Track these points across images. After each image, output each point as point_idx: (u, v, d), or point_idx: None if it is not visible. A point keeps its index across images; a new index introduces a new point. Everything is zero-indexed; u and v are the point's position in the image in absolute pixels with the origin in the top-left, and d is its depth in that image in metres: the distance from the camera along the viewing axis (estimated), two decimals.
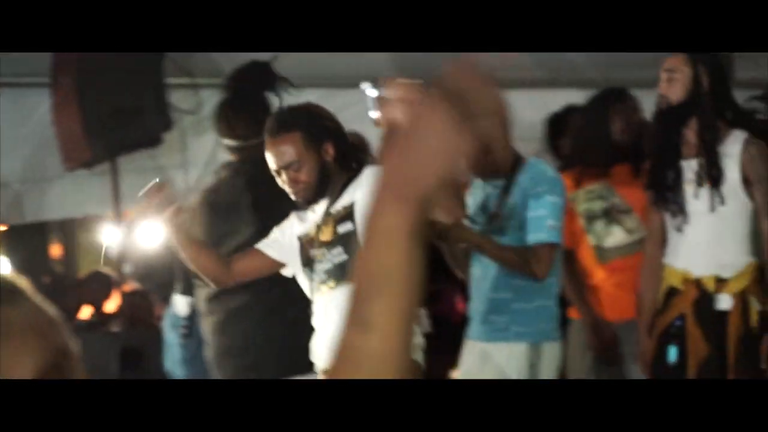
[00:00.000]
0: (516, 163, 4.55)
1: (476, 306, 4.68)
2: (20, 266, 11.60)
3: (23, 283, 1.28)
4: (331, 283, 3.89)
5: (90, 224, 6.50)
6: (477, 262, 4.64)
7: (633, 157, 5.23)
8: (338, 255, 3.86)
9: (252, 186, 4.51)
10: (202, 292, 4.64)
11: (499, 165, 4.50)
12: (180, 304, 5.24)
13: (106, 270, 6.29)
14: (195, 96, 5.73)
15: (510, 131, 4.52)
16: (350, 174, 3.84)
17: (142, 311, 6.20)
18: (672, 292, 4.64)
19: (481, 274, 4.63)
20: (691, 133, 4.58)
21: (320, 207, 3.90)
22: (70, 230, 12.70)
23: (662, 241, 4.72)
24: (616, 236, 5.22)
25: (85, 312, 7.17)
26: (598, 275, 5.30)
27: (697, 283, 4.56)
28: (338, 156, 3.74)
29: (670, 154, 4.64)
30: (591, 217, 5.25)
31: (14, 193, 6.12)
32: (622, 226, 5.22)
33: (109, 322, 6.32)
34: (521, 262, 4.44)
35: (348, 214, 3.81)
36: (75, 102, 5.28)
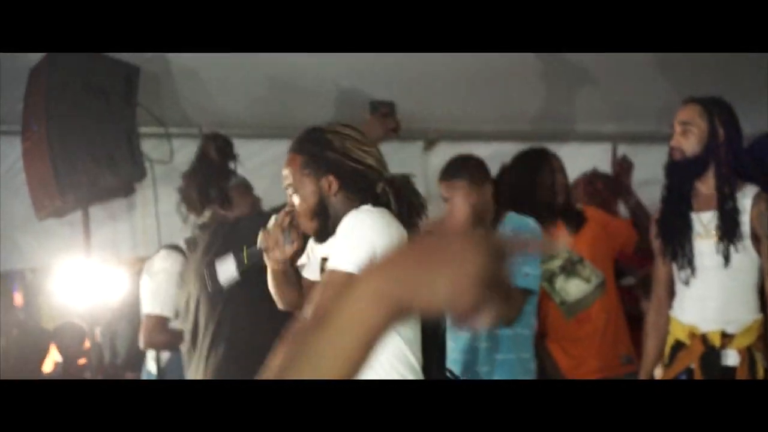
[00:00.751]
0: (497, 216, 4.80)
1: (457, 356, 4.71)
2: None
3: None
4: None
5: (47, 272, 6.42)
6: None
7: (563, 214, 5.34)
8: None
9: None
10: None
11: (483, 219, 4.75)
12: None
13: (78, 321, 6.23)
14: (167, 145, 5.72)
15: (490, 192, 4.80)
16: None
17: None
18: (678, 346, 4.62)
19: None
20: (703, 186, 4.58)
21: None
22: (35, 279, 12.61)
23: (669, 293, 4.72)
24: (577, 287, 5.24)
25: (55, 360, 7.10)
26: (570, 330, 5.35)
27: (704, 338, 4.53)
28: (342, 191, 3.40)
29: (682, 206, 4.62)
30: (551, 277, 5.32)
31: None
32: (579, 276, 5.27)
33: (80, 373, 6.25)
34: None
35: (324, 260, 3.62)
36: (46, 150, 5.24)
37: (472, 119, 6.59)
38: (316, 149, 3.34)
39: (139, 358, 5.25)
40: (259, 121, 6.11)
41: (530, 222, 4.80)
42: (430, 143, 6.77)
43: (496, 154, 6.75)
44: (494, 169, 6.63)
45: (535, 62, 5.98)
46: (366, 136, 3.41)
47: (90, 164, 5.26)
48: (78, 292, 5.97)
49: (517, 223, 4.76)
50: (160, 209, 5.80)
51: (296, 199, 3.39)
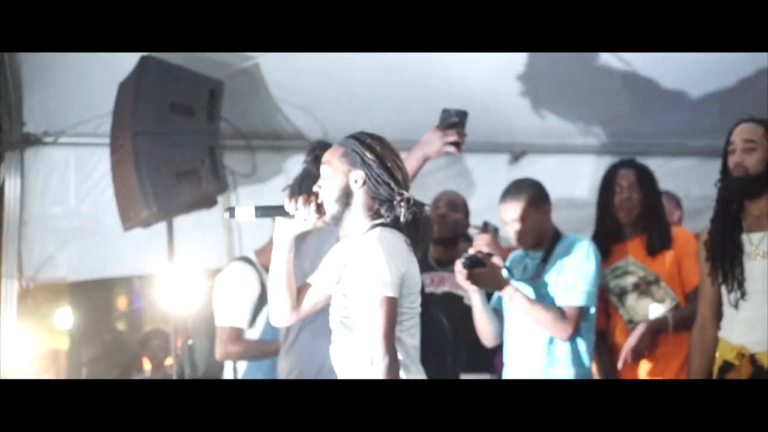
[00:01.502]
0: (554, 237, 4.90)
1: (512, 372, 4.79)
2: (85, 320, 11.82)
3: None
4: (336, 331, 3.75)
5: (152, 281, 6.58)
6: (513, 326, 4.84)
7: (644, 228, 5.30)
8: (333, 307, 3.76)
9: None
10: None
11: (541, 240, 4.89)
12: None
13: (164, 327, 6.37)
14: (250, 158, 5.82)
15: (549, 214, 4.92)
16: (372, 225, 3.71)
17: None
18: (726, 367, 4.55)
19: (517, 339, 4.80)
20: (754, 207, 4.51)
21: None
22: (134, 286, 12.89)
23: (717, 314, 4.65)
24: (648, 308, 5.19)
25: (146, 367, 7.26)
26: None
27: (753, 358, 4.46)
28: (366, 189, 3.67)
29: (734, 226, 4.56)
30: (622, 293, 5.27)
31: (74, 250, 6.25)
32: (652, 297, 5.22)
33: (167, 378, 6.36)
34: (550, 318, 4.67)
35: (339, 276, 3.71)
36: (132, 163, 5.38)
37: (558, 133, 6.56)
38: (358, 147, 3.66)
39: (218, 370, 5.34)
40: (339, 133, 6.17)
41: (585, 242, 4.88)
42: (516, 156, 6.76)
43: (580, 168, 6.74)
44: (580, 183, 6.65)
45: (624, 77, 5.93)
46: (396, 154, 3.71)
47: (174, 177, 5.38)
48: (166, 301, 6.10)
49: (570, 241, 4.87)
50: (241, 222, 5.89)
51: (327, 183, 3.68)
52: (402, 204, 3.61)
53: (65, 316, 11.97)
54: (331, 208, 3.66)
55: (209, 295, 5.36)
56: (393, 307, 3.48)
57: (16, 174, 6.11)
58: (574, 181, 6.65)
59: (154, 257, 6.12)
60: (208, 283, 5.41)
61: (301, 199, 3.68)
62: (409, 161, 4.32)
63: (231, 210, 3.71)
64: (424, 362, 3.66)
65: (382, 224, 3.62)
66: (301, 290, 3.86)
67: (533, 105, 6.18)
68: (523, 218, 4.81)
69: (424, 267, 5.11)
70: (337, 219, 3.69)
